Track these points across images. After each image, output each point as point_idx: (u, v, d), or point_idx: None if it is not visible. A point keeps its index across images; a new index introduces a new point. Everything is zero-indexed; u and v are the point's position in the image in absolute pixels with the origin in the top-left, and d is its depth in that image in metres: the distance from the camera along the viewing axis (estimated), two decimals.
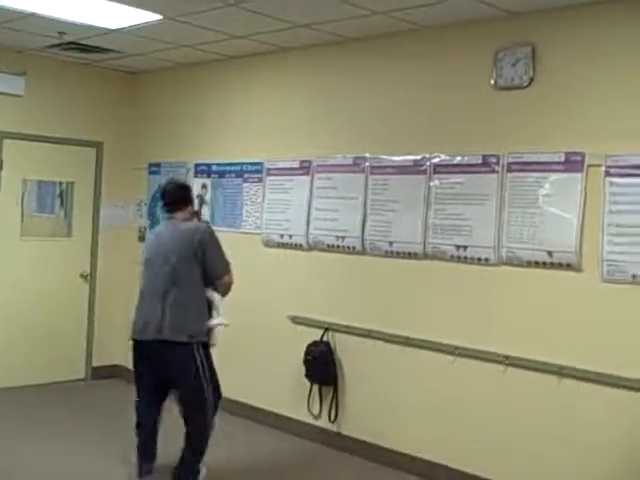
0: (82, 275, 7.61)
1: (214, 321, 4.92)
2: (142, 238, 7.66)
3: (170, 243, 4.85)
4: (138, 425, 5.00)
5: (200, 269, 4.81)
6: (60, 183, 7.47)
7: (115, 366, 7.82)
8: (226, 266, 4.98)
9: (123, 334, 7.92)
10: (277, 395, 6.41)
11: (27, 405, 6.78)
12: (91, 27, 5.95)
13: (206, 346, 4.90)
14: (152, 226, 7.53)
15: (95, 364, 7.75)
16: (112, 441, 5.74)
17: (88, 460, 5.47)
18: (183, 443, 4.87)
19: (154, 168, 7.64)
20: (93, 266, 7.70)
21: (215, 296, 4.92)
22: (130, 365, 5.05)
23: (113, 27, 5.93)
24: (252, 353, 6.61)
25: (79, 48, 6.76)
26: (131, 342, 4.95)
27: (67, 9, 5.51)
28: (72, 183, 7.56)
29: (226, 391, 6.70)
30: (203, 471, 4.92)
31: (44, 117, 7.25)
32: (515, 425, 4.95)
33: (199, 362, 4.79)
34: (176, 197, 5.06)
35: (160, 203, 5.39)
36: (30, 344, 7.25)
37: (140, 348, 4.89)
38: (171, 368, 4.79)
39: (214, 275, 4.89)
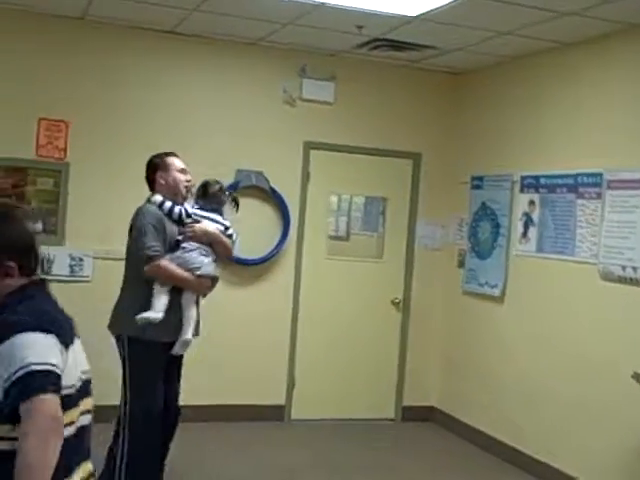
0: (394, 302, 6.78)
1: (142, 314, 4.06)
2: (462, 263, 6.65)
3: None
4: None
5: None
6: (373, 199, 6.83)
7: (429, 408, 6.88)
8: (142, 252, 4.07)
9: (440, 372, 7.10)
10: (616, 475, 4.93)
11: (326, 441, 6.15)
12: (387, 16, 5.08)
13: (146, 345, 4.09)
14: (473, 249, 6.49)
15: (406, 403, 6.86)
16: None
17: None
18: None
19: (477, 182, 6.54)
20: (407, 292, 6.83)
21: (155, 287, 4.11)
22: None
23: (412, 14, 5.00)
24: (588, 416, 5.18)
25: (389, 45, 5.96)
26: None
27: None
28: (385, 199, 6.82)
29: (554, 460, 5.55)
30: None
31: (355, 126, 6.57)
32: None
33: (122, 360, 4.16)
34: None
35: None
36: (334, 373, 6.62)
37: None
38: None
39: None
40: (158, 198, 4.18)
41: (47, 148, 5.76)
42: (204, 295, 4.40)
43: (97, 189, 5.92)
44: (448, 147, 6.84)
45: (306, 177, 6.50)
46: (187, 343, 4.23)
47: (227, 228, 4.36)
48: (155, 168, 4.26)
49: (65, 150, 5.84)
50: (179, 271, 4.10)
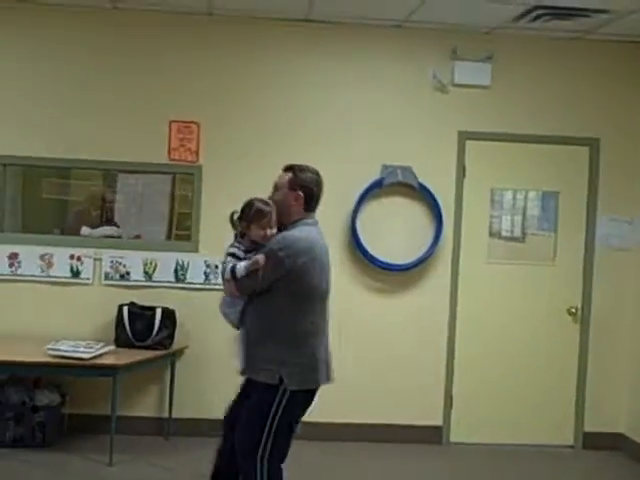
0: (570, 311, 5.87)
1: None
2: None
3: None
4: None
5: None
6: (543, 193, 5.95)
7: (617, 435, 5.88)
8: None
9: (629, 394, 5.98)
10: None
11: (490, 467, 5.41)
12: None
13: None
14: None
15: (588, 429, 5.89)
16: None
17: None
18: None
19: None
20: (586, 300, 5.87)
21: None
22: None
23: None
24: None
25: (552, 14, 5.14)
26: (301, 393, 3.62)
27: None
28: (556, 192, 5.92)
29: None
30: None
31: (516, 111, 5.76)
32: None
33: None
34: None
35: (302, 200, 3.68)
36: (499, 392, 5.82)
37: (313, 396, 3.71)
38: None
39: None
40: None
41: (179, 151, 5.53)
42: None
43: (231, 191, 5.58)
44: (632, 129, 5.83)
45: (462, 171, 5.78)
46: None
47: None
48: None
49: (197, 152, 5.59)
50: None
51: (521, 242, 6.13)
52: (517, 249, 6.04)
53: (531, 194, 6.09)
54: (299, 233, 3.58)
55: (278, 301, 3.56)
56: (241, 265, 3.54)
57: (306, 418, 5.93)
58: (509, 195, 5.98)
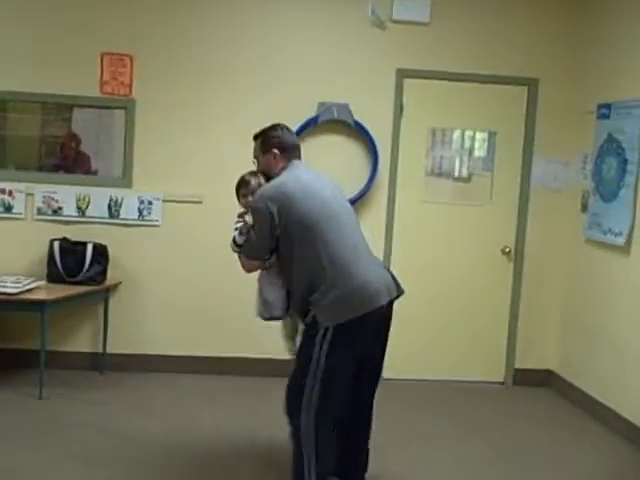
0: (504, 251, 5.96)
1: None
2: (585, 207, 5.69)
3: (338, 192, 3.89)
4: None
5: None
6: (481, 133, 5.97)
7: (545, 372, 6.05)
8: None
9: (559, 332, 6.14)
10: None
11: (420, 403, 5.55)
12: None
13: None
14: (597, 189, 5.50)
15: (518, 366, 6.05)
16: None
17: None
18: None
19: (603, 110, 5.52)
20: (519, 240, 5.95)
21: None
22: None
23: None
24: None
25: None
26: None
27: None
28: (493, 133, 5.93)
29: None
30: None
31: (455, 49, 5.71)
32: None
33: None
34: None
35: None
36: (433, 330, 5.95)
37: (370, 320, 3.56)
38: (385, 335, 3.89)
39: None
40: None
41: (111, 85, 5.43)
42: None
43: (165, 127, 5.55)
44: (571, 70, 5.82)
45: (399, 109, 5.75)
46: None
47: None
48: None
49: (130, 86, 5.49)
50: None
51: (465, 182, 6.15)
52: (454, 189, 6.07)
53: (474, 134, 6.09)
54: (270, 183, 3.67)
55: (286, 254, 3.61)
56: (235, 232, 3.71)
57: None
58: (448, 134, 5.99)
